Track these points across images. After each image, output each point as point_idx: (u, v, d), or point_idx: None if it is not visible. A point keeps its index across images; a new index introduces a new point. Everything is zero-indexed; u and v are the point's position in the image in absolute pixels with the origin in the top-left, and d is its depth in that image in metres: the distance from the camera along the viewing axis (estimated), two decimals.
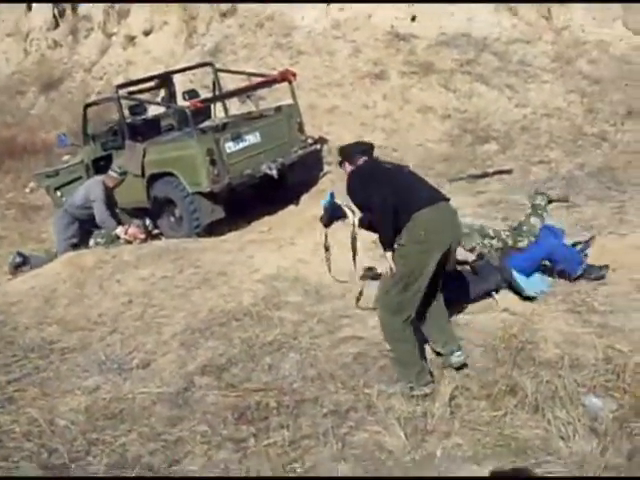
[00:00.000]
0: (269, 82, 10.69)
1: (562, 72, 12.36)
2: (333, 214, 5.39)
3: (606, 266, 6.01)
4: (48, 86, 19.91)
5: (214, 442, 4.39)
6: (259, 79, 10.88)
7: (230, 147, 9.34)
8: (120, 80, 16.00)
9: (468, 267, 5.95)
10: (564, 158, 10.53)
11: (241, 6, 15.62)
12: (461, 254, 5.79)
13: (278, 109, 10.53)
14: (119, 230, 9.59)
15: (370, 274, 6.52)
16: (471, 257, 6.06)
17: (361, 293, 5.82)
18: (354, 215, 5.10)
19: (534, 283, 5.87)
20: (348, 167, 5.00)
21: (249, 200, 9.91)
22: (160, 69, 15.26)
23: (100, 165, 10.33)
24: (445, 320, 5.06)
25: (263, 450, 4.23)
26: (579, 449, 3.95)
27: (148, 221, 9.99)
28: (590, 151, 10.60)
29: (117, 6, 19.05)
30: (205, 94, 11.51)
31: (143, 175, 9.59)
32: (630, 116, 11.09)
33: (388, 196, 4.53)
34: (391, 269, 4.61)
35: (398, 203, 4.54)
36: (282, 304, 6.41)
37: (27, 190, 14.49)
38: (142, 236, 9.60)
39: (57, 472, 4.21)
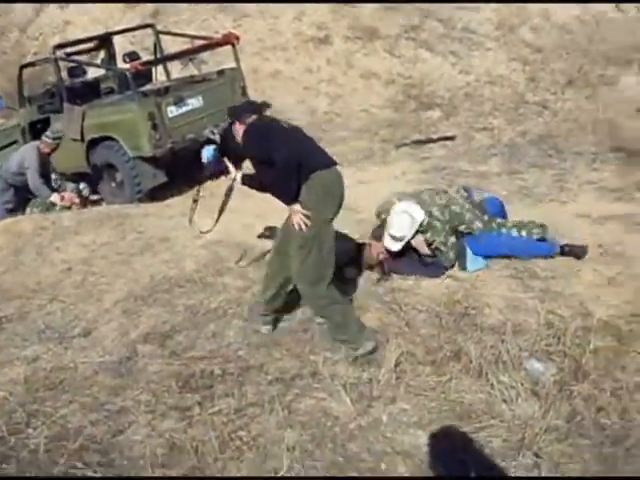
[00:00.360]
0: (212, 45, 10.48)
1: (505, 40, 12.44)
2: (216, 168, 5.42)
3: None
4: None
5: (158, 411, 4.32)
6: (202, 42, 10.67)
7: (172, 111, 9.16)
8: (57, 41, 15.45)
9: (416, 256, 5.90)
10: (506, 126, 10.62)
11: None
12: (417, 242, 5.77)
13: (221, 73, 10.36)
14: (54, 197, 9.32)
15: (267, 233, 6.73)
16: (425, 250, 5.84)
17: (245, 253, 6.13)
18: (236, 171, 5.07)
19: (477, 261, 5.86)
20: (239, 126, 4.86)
21: (191, 164, 9.73)
22: (99, 30, 14.77)
23: (37, 129, 10.02)
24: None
25: (208, 418, 4.18)
26: (521, 412, 4.02)
27: (82, 185, 9.72)
28: (532, 119, 10.71)
29: None
30: (146, 57, 11.24)
31: (82, 139, 9.34)
32: (570, 85, 11.23)
33: (293, 151, 4.51)
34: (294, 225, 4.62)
35: (300, 161, 4.52)
36: (225, 270, 6.33)
37: None
38: (77, 200, 9.36)
39: None
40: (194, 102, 9.45)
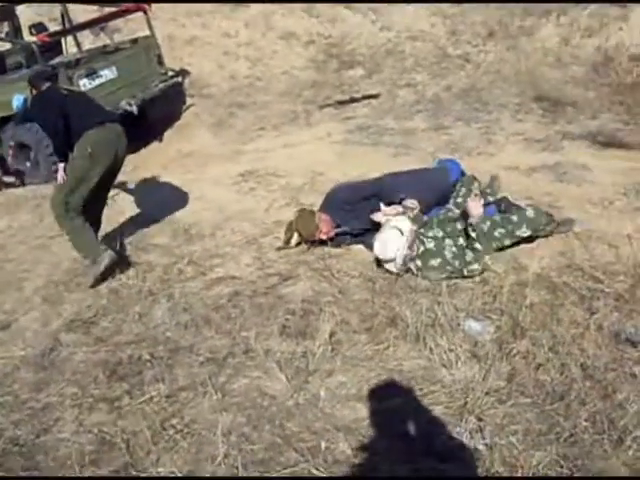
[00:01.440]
0: (123, 12, 10.05)
1: None
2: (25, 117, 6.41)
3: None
4: None
5: (85, 404, 4.08)
6: (113, 9, 10.20)
7: (85, 84, 8.74)
8: None
9: None
10: (430, 81, 10.53)
11: None
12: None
13: (134, 41, 9.98)
14: None
15: None
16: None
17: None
18: None
19: None
20: (34, 92, 5.71)
21: None
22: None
23: None
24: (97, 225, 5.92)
25: (139, 408, 3.97)
26: (462, 376, 3.92)
27: None
28: (455, 73, 10.65)
29: None
30: (54, 28, 10.71)
31: None
32: (491, 37, 11.19)
33: (59, 119, 5.36)
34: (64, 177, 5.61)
35: (71, 124, 5.41)
36: (150, 247, 6.11)
37: None
38: None
39: None
40: (108, 73, 9.06)
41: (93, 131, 5.46)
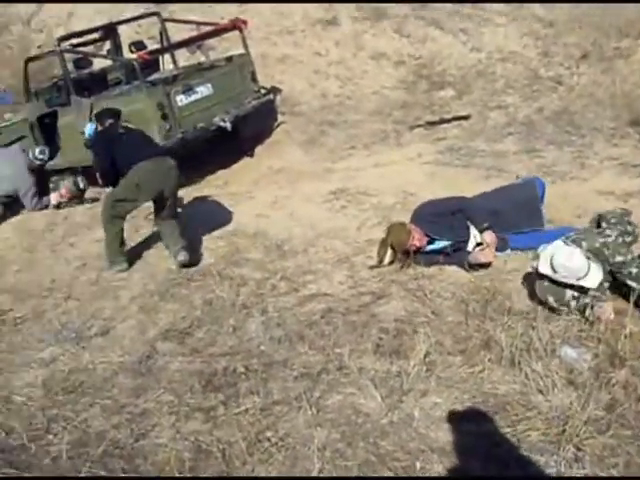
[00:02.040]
0: (220, 31, 10.26)
1: (516, 15, 12.21)
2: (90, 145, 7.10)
3: None
4: None
5: (182, 412, 4.19)
6: (209, 28, 10.46)
7: (181, 100, 8.96)
8: (61, 33, 15.30)
9: None
10: (521, 103, 10.40)
11: None
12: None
13: (229, 59, 10.16)
14: (54, 199, 8.91)
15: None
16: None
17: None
18: None
19: None
20: (100, 128, 6.55)
21: (202, 153, 9.59)
22: (103, 20, 14.62)
23: (45, 123, 9.85)
24: (175, 233, 6.37)
25: (234, 419, 4.05)
26: (559, 403, 3.86)
27: (80, 178, 9.52)
28: (547, 95, 10.48)
29: None
30: (152, 46, 11.04)
31: None
32: (585, 59, 10.99)
33: (109, 155, 6.19)
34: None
35: (121, 158, 6.13)
36: (243, 261, 6.22)
37: None
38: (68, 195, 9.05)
39: (16, 454, 3.97)
40: (203, 90, 9.25)
41: (142, 164, 6.12)
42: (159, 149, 6.61)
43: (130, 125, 6.84)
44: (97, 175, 7.01)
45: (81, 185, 9.42)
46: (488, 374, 4.16)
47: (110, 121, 6.48)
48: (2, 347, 5.33)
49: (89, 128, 7.30)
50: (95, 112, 6.89)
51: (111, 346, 5.12)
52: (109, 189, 6.63)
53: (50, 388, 4.62)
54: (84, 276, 6.41)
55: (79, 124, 9.17)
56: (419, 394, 4.06)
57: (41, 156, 9.18)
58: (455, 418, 3.84)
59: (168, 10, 13.32)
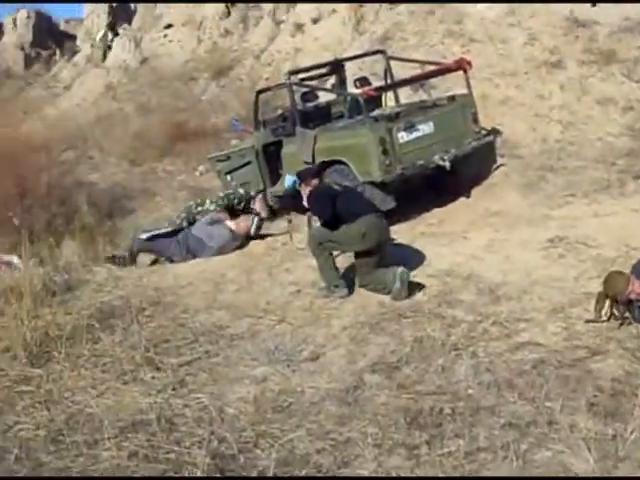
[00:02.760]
0: (444, 71, 10.35)
1: None
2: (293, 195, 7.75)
3: None
4: (219, 73, 20.49)
5: (385, 446, 4.17)
6: (433, 67, 10.55)
7: (403, 137, 9.08)
8: (288, 67, 16.12)
9: None
10: None
11: None
12: None
13: (452, 98, 10.17)
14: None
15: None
16: None
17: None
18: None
19: None
20: (305, 187, 6.96)
21: (420, 191, 9.63)
22: (327, 56, 15.24)
23: (270, 151, 10.36)
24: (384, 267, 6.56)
25: (437, 460, 3.97)
26: None
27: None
28: None
29: None
30: (374, 82, 11.30)
31: (314, 162, 9.51)
32: None
33: (330, 209, 6.56)
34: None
35: (342, 212, 6.53)
36: (455, 302, 6.15)
37: (197, 173, 14.90)
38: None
39: (226, 462, 4.12)
40: (425, 128, 9.32)
41: (367, 217, 6.52)
42: (375, 207, 7.00)
43: (345, 183, 7.71)
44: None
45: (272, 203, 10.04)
46: None
47: (315, 181, 7.03)
48: (219, 360, 5.57)
49: (289, 179, 7.84)
50: (297, 171, 7.49)
51: (320, 372, 5.21)
52: (316, 222, 7.12)
53: (260, 405, 4.76)
54: (298, 301, 6.60)
55: (302, 154, 9.57)
56: (636, 463, 3.77)
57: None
58: None
59: (391, 48, 13.61)
